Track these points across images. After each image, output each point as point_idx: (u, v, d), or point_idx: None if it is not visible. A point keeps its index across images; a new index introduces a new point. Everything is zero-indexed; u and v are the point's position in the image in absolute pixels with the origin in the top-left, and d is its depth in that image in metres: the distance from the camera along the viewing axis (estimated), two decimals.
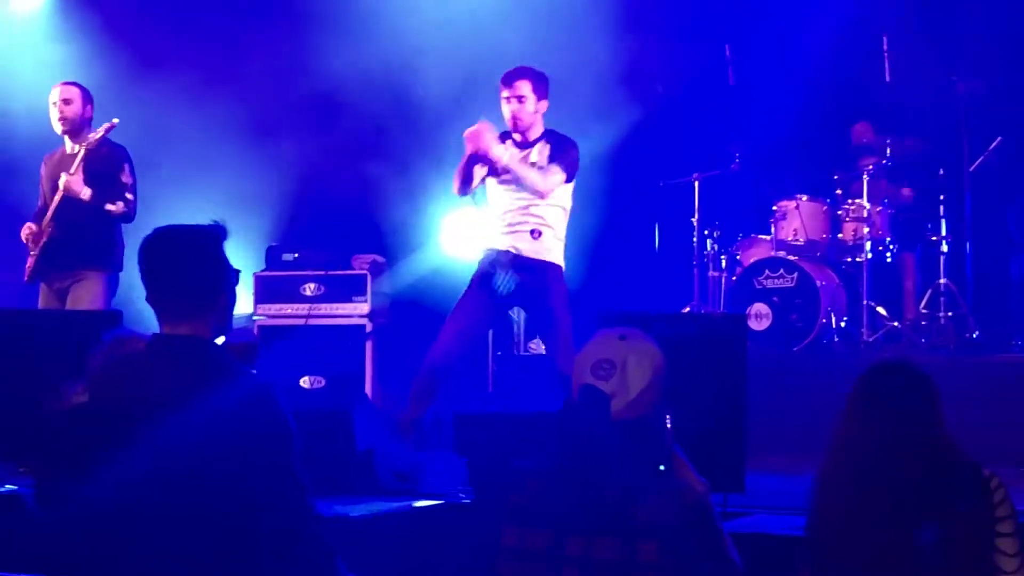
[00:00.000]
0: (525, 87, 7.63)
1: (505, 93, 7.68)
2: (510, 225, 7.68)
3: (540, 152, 7.69)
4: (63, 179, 7.97)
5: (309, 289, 9.51)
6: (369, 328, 9.35)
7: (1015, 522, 3.55)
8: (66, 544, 4.43)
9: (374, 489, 6.51)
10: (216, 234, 3.77)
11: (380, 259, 9.67)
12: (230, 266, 3.77)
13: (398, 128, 10.43)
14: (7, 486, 6.11)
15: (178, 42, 10.43)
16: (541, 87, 7.71)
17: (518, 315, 9.40)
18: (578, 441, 3.49)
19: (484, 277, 7.65)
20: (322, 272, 9.51)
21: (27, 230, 8.14)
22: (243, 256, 9.16)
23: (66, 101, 8.18)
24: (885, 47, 10.06)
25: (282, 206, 10.38)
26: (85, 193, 7.99)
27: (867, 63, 10.21)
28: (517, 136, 7.76)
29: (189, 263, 3.71)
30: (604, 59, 9.74)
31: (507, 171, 7.59)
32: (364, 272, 9.48)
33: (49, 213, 8.09)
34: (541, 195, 7.59)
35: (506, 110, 7.67)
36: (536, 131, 7.76)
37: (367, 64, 9.99)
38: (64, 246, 8.08)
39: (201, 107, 9.89)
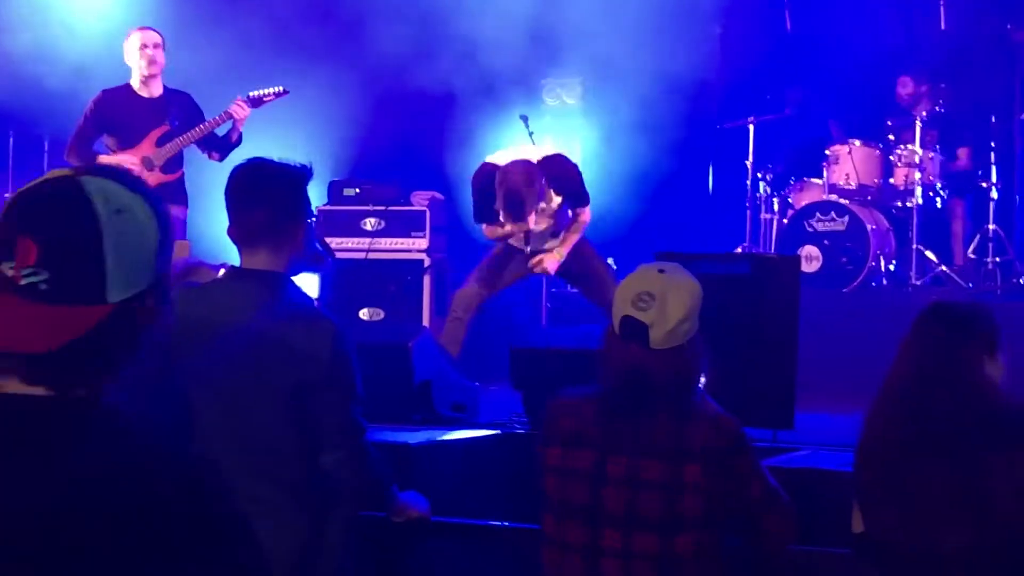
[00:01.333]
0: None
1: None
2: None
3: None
4: (241, 109, 8.03)
5: (369, 224, 9.54)
6: (427, 263, 9.38)
7: None
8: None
9: (432, 419, 6.56)
10: (302, 173, 3.81)
11: (439, 196, 9.70)
12: (310, 206, 3.82)
13: (456, 74, 10.44)
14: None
15: None
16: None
17: None
18: (623, 370, 3.53)
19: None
20: (382, 207, 9.53)
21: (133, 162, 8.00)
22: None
23: (156, 45, 8.14)
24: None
25: (346, 142, 10.41)
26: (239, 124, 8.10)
27: (923, 11, 10.12)
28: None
29: (275, 196, 3.74)
30: (668, 4, 9.68)
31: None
32: (423, 208, 9.51)
33: (164, 155, 8.06)
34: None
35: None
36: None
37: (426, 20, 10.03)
38: (176, 186, 8.15)
39: (272, 56, 9.90)
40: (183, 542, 1.87)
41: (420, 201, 9.59)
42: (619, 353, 3.54)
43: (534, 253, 7.55)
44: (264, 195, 3.74)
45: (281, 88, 8.23)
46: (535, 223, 7.36)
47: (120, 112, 8.16)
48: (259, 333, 3.63)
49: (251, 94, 8.13)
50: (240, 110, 8.05)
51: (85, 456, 1.88)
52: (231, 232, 3.77)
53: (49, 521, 1.83)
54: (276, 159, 3.79)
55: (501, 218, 7.35)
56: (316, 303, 4.28)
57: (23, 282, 1.90)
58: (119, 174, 1.98)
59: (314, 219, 3.90)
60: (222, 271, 5.38)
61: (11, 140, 10.48)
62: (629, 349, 3.51)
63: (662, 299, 3.50)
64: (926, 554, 3.55)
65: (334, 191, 9.68)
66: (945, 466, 3.54)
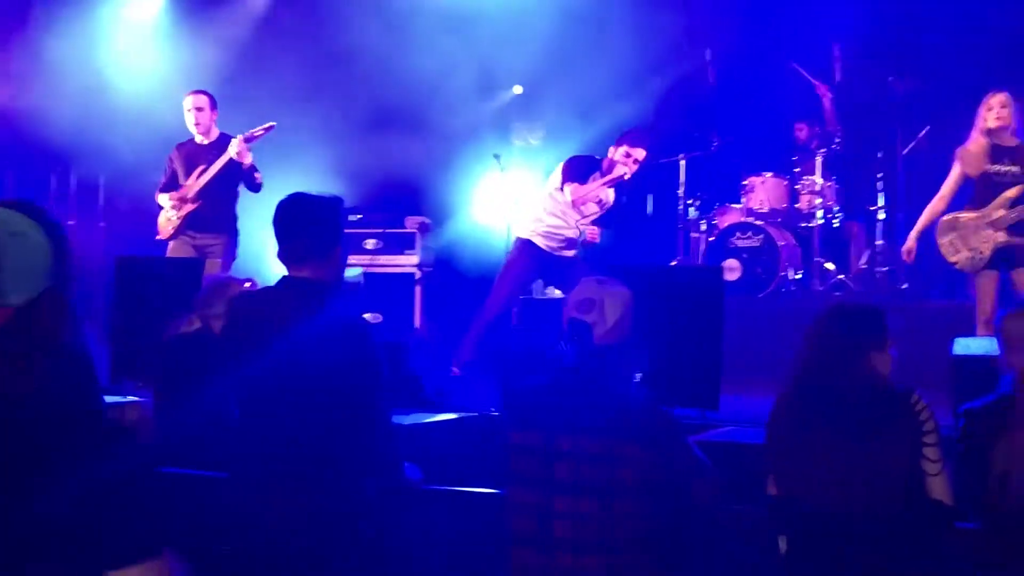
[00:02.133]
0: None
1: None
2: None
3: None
4: (233, 145, 7.86)
5: (370, 243, 9.55)
6: (418, 276, 9.41)
7: (937, 435, 3.56)
8: (187, 441, 4.49)
9: (422, 403, 6.53)
10: (336, 202, 3.88)
11: (427, 220, 9.69)
12: (344, 228, 3.86)
13: (440, 112, 10.42)
14: (131, 397, 6.15)
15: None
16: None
17: None
18: (569, 363, 3.54)
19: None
20: (380, 230, 9.53)
21: (173, 200, 8.03)
22: None
23: (199, 109, 8.06)
24: (836, 53, 10.04)
25: (349, 177, 10.36)
26: (248, 158, 7.91)
27: (822, 67, 10.15)
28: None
29: (316, 221, 3.79)
30: (615, 64, 9.67)
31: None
32: (414, 231, 9.52)
33: (195, 187, 7.97)
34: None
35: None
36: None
37: (413, 60, 9.97)
38: (208, 213, 8.01)
39: (295, 108, 9.84)
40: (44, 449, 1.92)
41: (412, 224, 9.58)
42: (567, 349, 3.54)
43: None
44: (308, 222, 3.78)
45: (270, 124, 8.05)
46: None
47: (182, 157, 8.15)
48: (308, 334, 3.65)
49: (245, 134, 7.97)
50: (236, 148, 7.88)
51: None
52: (281, 255, 3.81)
53: None
54: (313, 192, 3.85)
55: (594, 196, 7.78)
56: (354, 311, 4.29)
57: None
58: (23, 205, 2.04)
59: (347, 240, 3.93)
60: (247, 284, 5.32)
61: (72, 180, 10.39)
62: (575, 346, 3.51)
63: (601, 304, 3.52)
64: (828, 512, 3.54)
65: None
66: (842, 439, 3.54)
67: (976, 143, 7.11)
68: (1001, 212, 6.98)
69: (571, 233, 7.90)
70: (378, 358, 3.73)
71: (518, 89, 10.55)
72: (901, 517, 3.51)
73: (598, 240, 7.86)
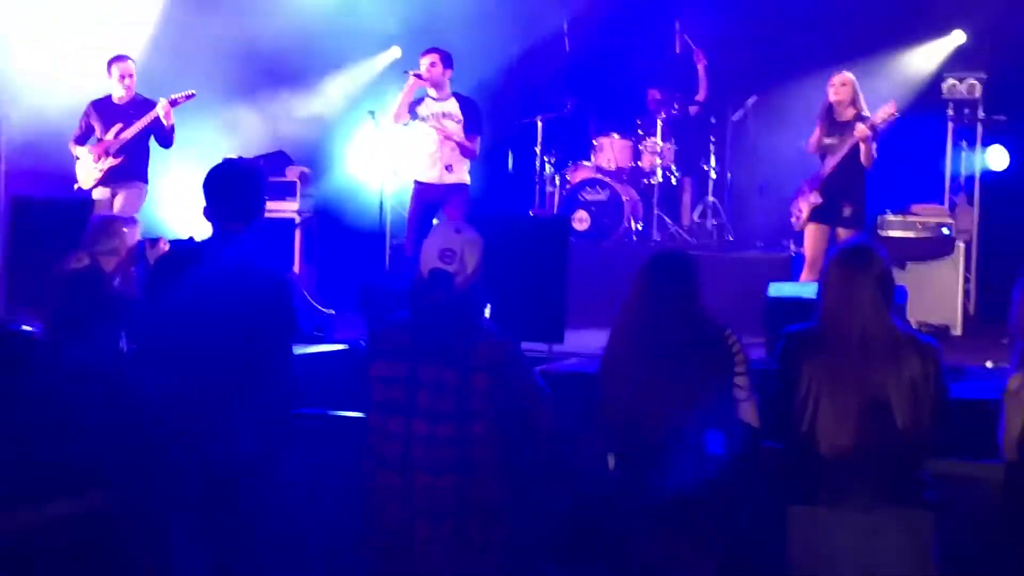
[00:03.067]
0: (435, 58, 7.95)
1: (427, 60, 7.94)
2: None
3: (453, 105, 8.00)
4: (161, 107, 7.90)
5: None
6: (297, 221, 9.28)
7: (747, 367, 3.65)
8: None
9: (300, 339, 6.48)
10: (260, 171, 4.14)
11: (307, 170, 9.57)
12: (264, 192, 4.02)
13: (321, 72, 10.29)
14: (25, 327, 5.99)
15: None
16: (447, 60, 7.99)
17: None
18: (431, 304, 3.55)
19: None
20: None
21: (94, 152, 8.02)
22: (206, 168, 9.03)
23: (130, 75, 8.11)
24: (676, 28, 10.13)
25: (238, 130, 10.12)
26: (171, 119, 7.94)
27: (665, 40, 10.24)
28: (433, 92, 7.96)
29: (244, 186, 3.95)
30: (481, 30, 9.61)
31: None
32: (295, 180, 9.39)
33: (116, 143, 7.97)
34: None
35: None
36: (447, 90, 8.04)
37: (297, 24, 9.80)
38: (126, 165, 8.01)
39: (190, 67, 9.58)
40: None
41: (292, 174, 9.44)
42: (428, 292, 3.55)
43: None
44: (239, 187, 3.94)
45: (192, 91, 8.06)
46: None
47: (98, 114, 8.13)
48: (230, 280, 3.81)
49: (171, 97, 7.97)
50: (163, 110, 7.92)
51: None
52: (209, 214, 3.93)
53: None
54: (239, 159, 3.98)
55: None
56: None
57: None
58: None
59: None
60: (162, 242, 5.35)
61: None
62: (436, 291, 3.52)
63: (461, 254, 3.53)
64: (654, 427, 3.60)
65: None
66: (662, 369, 3.61)
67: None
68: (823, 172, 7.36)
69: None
70: (291, 305, 3.92)
71: (396, 52, 10.41)
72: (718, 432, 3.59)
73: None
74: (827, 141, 7.41)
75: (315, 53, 10.07)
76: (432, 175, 8.00)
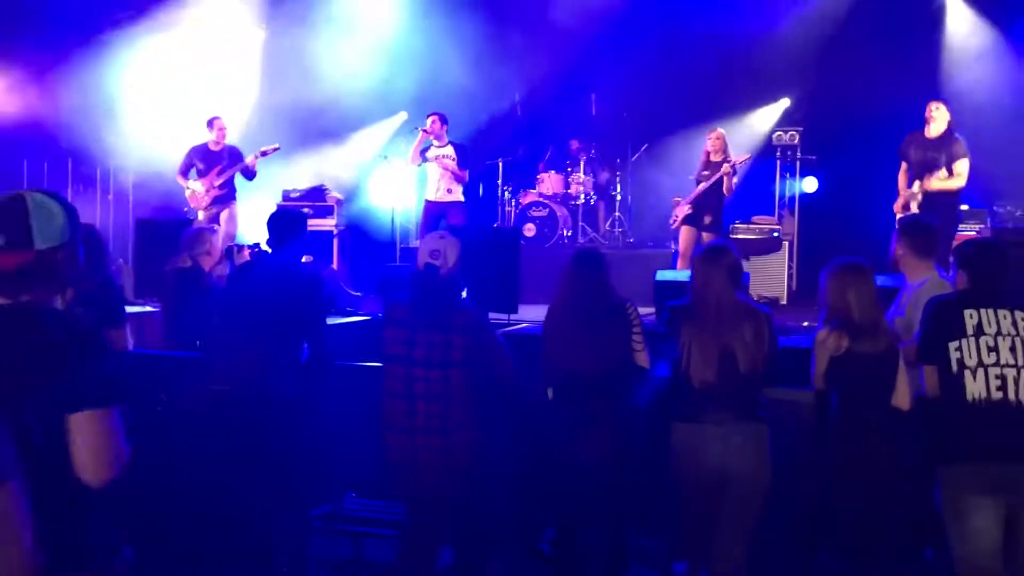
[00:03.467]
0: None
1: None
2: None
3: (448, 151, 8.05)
4: (250, 158, 7.85)
5: (305, 210, 9.20)
6: (335, 233, 9.15)
7: (641, 327, 3.64)
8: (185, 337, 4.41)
9: (336, 312, 6.43)
10: (303, 215, 4.32)
11: (340, 196, 9.44)
12: (306, 229, 4.10)
13: (351, 127, 10.14)
14: (149, 307, 5.90)
15: None
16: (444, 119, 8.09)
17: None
18: (424, 288, 3.52)
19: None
20: (311, 202, 9.23)
21: (206, 184, 7.92)
22: (269, 195, 8.96)
23: (224, 128, 8.02)
24: (593, 98, 10.10)
25: (295, 169, 9.97)
26: (255, 166, 7.91)
27: (583, 103, 10.19)
28: (436, 142, 8.03)
29: (293, 224, 4.03)
30: (459, 100, 9.47)
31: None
32: (333, 204, 9.27)
33: (218, 180, 7.89)
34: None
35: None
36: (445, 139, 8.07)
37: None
38: (225, 193, 7.96)
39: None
40: (72, 368, 1.88)
41: (331, 199, 9.25)
42: (422, 280, 3.52)
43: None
44: (289, 224, 4.02)
45: (277, 145, 8.09)
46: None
47: (199, 157, 8.06)
48: (280, 279, 3.85)
49: (262, 148, 7.99)
50: (252, 160, 7.93)
51: (26, 331, 1.91)
52: (270, 241, 4.01)
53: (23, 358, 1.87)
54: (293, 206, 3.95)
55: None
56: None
57: None
58: (46, 191, 2.04)
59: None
60: (247, 249, 5.25)
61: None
62: (428, 279, 3.49)
63: (444, 252, 3.50)
64: (576, 372, 3.59)
65: (285, 195, 9.29)
66: (585, 329, 3.59)
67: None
68: (693, 194, 7.37)
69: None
70: (322, 296, 3.99)
71: (404, 115, 10.30)
72: (620, 373, 3.60)
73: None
74: (704, 173, 7.46)
75: (345, 114, 9.95)
76: (437, 196, 8.06)
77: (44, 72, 8.97)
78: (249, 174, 8.01)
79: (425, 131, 8.04)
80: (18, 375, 1.86)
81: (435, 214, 8.05)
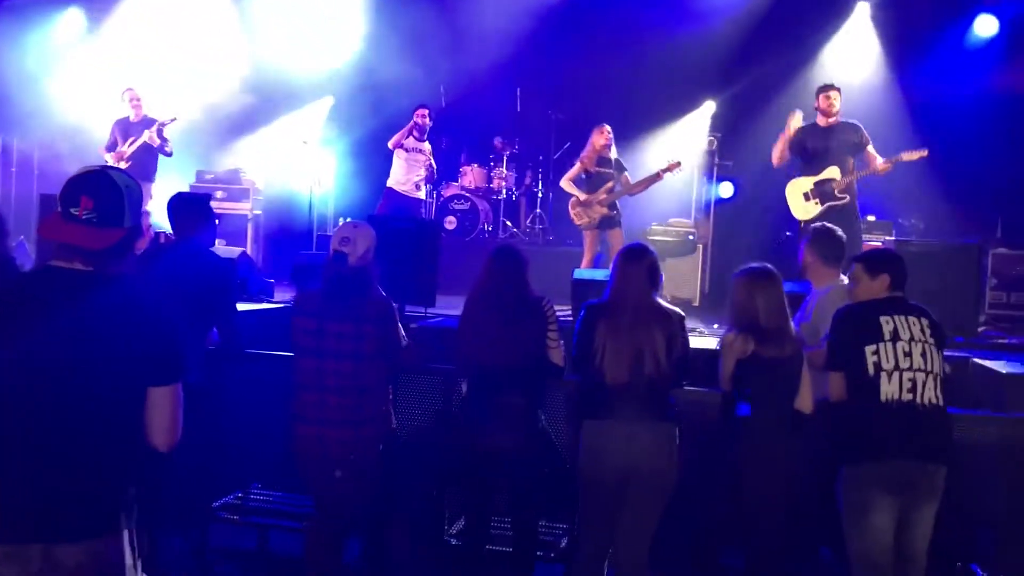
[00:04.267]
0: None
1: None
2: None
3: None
4: (145, 135, 7.71)
5: (219, 194, 8.96)
6: (249, 217, 8.94)
7: (556, 324, 3.65)
8: None
9: (248, 298, 6.27)
10: (203, 198, 4.20)
11: (255, 180, 9.23)
12: (212, 213, 4.06)
13: (271, 114, 9.87)
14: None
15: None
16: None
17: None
18: (334, 276, 3.49)
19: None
20: (225, 185, 8.98)
21: (113, 160, 7.74)
22: (186, 177, 8.68)
23: (138, 99, 7.92)
24: (518, 93, 10.09)
25: (214, 154, 9.67)
26: (156, 141, 7.75)
27: (508, 100, 10.18)
28: (416, 134, 8.33)
29: (193, 210, 3.98)
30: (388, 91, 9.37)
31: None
32: (248, 187, 9.04)
33: (128, 151, 7.75)
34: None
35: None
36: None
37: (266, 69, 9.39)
38: (135, 168, 7.62)
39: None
40: (151, 343, 2.12)
41: (246, 183, 9.06)
42: (332, 268, 3.49)
43: None
44: (190, 211, 3.96)
45: (175, 116, 7.84)
46: None
47: (120, 129, 7.92)
48: (190, 265, 3.77)
49: (160, 122, 7.77)
50: (150, 135, 7.74)
51: (109, 297, 2.13)
52: (173, 228, 3.95)
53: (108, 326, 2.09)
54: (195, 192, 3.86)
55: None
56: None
57: (84, 217, 2.12)
58: (121, 171, 2.24)
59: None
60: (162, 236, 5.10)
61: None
62: (337, 266, 3.45)
63: (354, 240, 3.48)
64: (490, 366, 3.58)
65: (199, 176, 9.05)
66: (500, 323, 3.59)
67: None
68: (602, 196, 7.29)
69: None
70: (234, 279, 4.03)
71: (330, 100, 10.11)
72: (534, 368, 3.59)
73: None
74: (598, 169, 7.37)
75: (268, 99, 9.70)
76: (405, 189, 8.29)
77: None
78: (163, 151, 7.79)
79: (418, 124, 8.12)
80: (112, 343, 2.07)
81: (397, 205, 8.12)
